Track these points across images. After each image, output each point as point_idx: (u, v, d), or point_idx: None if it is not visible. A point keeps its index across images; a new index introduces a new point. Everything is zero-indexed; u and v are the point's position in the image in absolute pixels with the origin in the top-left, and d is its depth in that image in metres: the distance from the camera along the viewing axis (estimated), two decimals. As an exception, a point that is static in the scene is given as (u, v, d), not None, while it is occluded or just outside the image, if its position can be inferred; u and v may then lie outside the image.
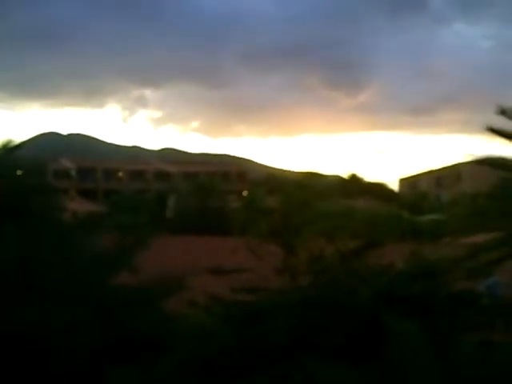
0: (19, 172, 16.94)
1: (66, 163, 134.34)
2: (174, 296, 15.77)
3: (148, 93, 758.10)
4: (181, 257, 27.46)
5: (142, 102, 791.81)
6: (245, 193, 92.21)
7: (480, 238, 17.83)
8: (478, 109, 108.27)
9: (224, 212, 71.22)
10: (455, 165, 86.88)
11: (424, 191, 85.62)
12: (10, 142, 15.07)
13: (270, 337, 14.74)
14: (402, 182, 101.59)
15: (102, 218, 17.74)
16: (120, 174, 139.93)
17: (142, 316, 14.42)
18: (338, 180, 69.26)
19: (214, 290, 16.65)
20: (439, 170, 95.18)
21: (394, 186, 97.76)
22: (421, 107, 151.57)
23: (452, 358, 12.28)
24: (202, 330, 14.46)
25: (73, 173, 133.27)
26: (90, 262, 14.52)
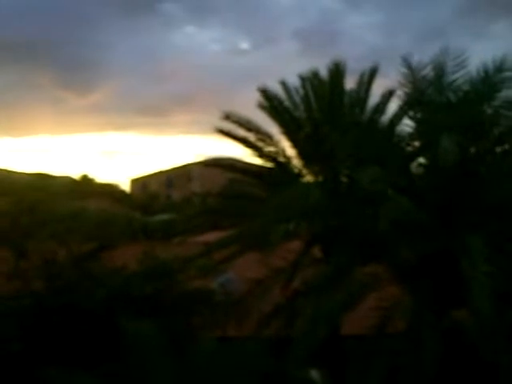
0: None
1: None
2: None
3: None
4: None
5: None
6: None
7: (211, 237, 18.37)
8: (207, 110, 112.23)
9: None
10: (185, 165, 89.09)
11: (155, 191, 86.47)
12: None
13: (2, 345, 14.05)
14: (134, 182, 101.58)
15: None
16: None
17: None
18: (69, 181, 67.40)
19: None
20: (170, 170, 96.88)
21: (126, 186, 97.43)
22: (153, 108, 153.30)
23: (189, 356, 12.58)
24: None
25: None
26: None
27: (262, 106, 18.17)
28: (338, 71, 17.71)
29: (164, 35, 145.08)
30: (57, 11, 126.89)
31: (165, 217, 38.64)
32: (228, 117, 18.00)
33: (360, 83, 17.91)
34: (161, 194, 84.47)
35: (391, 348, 12.32)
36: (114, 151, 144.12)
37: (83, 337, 14.65)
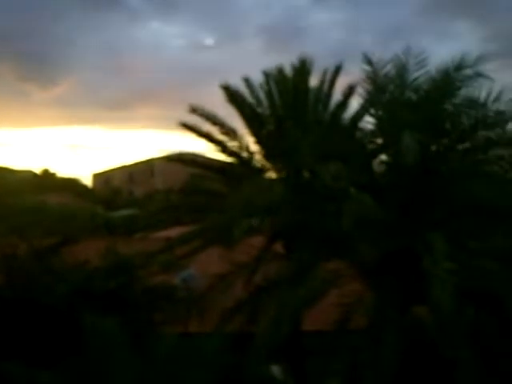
0: None
1: None
2: None
3: None
4: None
5: None
6: None
7: (174, 232, 18.17)
8: (171, 105, 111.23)
9: None
10: (148, 160, 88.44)
11: (117, 186, 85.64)
12: None
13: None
14: (96, 177, 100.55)
15: None
16: None
17: None
18: (30, 175, 66.25)
19: None
20: (132, 165, 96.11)
21: (88, 181, 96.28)
22: (116, 102, 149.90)
23: (150, 352, 12.40)
24: None
25: None
26: None
27: (228, 100, 18.02)
28: (302, 68, 17.63)
29: (128, 30, 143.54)
30: (19, 4, 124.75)
31: (127, 212, 38.36)
32: (194, 110, 17.87)
33: (323, 80, 17.86)
34: (123, 189, 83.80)
35: (352, 344, 12.27)
36: (77, 145, 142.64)
37: (44, 332, 14.37)
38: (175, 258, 17.49)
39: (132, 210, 36.36)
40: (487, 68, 13.12)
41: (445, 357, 11.29)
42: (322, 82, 17.79)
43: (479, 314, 11.59)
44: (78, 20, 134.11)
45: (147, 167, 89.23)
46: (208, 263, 17.92)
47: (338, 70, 17.84)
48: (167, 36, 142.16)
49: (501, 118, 13.03)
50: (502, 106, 12.99)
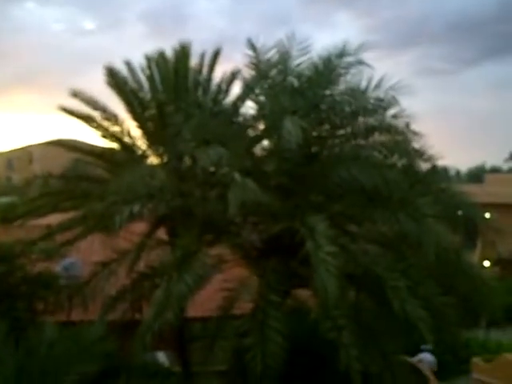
0: None
1: None
2: None
3: None
4: None
5: None
6: None
7: (54, 219, 17.43)
8: (50, 90, 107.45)
9: None
10: (27, 146, 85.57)
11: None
12: None
13: None
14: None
15: None
16: None
17: None
18: None
19: None
20: (10, 151, 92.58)
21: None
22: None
23: (32, 342, 11.75)
24: None
25: None
26: None
27: (110, 84, 17.34)
28: (183, 53, 17.18)
29: (3, 11, 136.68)
30: None
31: (5, 199, 36.80)
32: (75, 94, 17.13)
33: (201, 64, 17.49)
34: (1, 175, 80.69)
35: (237, 329, 12.07)
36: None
37: None
38: (56, 245, 16.72)
39: (10, 198, 34.83)
40: (368, 57, 13.22)
41: (327, 339, 11.22)
42: (201, 66, 17.41)
43: (360, 296, 11.62)
44: None
45: (26, 153, 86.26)
46: (90, 251, 17.24)
47: (216, 55, 17.48)
48: (45, 18, 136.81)
49: (380, 105, 13.16)
50: (381, 94, 13.11)
